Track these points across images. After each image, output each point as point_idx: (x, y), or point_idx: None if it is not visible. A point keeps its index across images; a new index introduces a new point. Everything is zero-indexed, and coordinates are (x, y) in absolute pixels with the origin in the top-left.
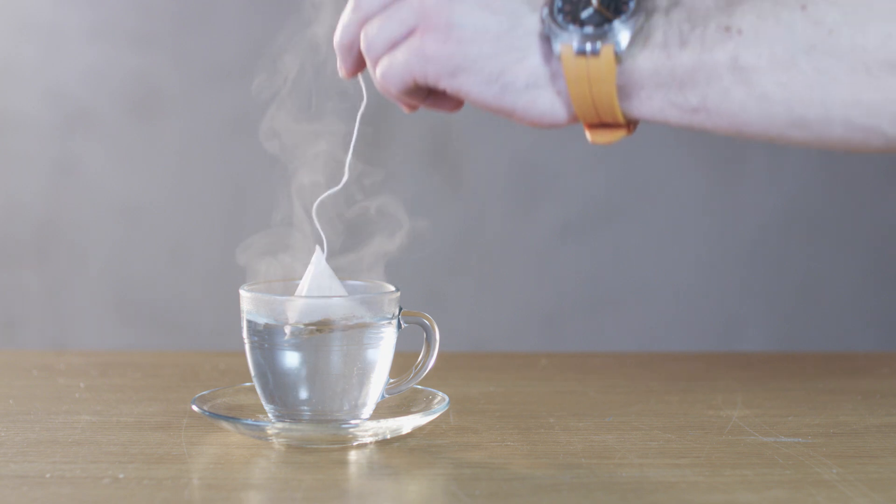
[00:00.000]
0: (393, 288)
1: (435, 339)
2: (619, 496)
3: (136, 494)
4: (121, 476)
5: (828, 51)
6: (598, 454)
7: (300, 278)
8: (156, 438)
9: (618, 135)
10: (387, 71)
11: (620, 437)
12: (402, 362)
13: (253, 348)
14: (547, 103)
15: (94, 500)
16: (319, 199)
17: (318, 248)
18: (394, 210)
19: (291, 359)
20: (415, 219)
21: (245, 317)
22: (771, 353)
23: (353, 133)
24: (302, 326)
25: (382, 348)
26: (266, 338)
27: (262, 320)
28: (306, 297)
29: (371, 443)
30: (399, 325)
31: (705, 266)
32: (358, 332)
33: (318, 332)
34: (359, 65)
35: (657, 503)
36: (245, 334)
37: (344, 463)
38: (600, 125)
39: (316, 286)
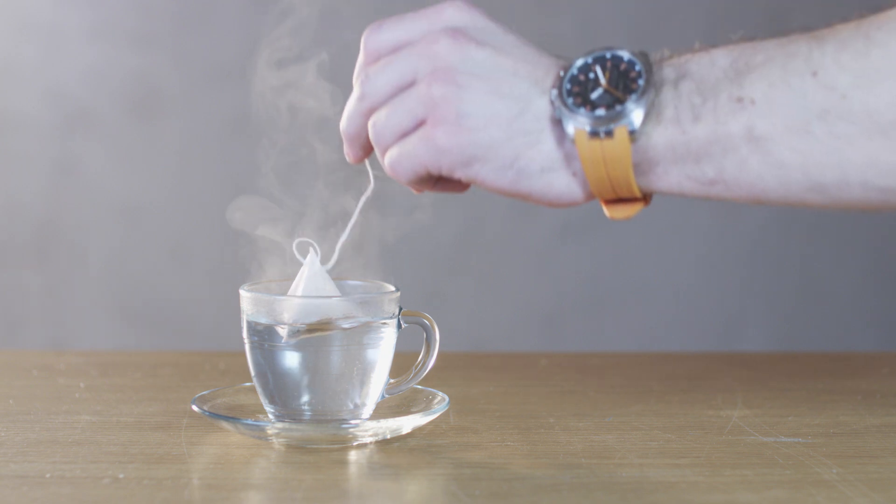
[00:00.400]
0: (393, 288)
1: (435, 339)
2: (619, 496)
3: (136, 494)
4: (121, 476)
5: (841, 115)
6: (598, 454)
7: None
8: (156, 438)
9: (635, 209)
10: (398, 161)
11: (620, 437)
12: (402, 362)
13: (253, 348)
14: (563, 185)
15: (94, 500)
16: (354, 218)
17: (311, 249)
18: (394, 209)
19: (291, 359)
20: (415, 219)
21: (245, 317)
22: (771, 353)
23: (353, 217)
24: (304, 328)
25: (382, 348)
26: (266, 338)
27: (262, 320)
28: (307, 297)
29: (371, 443)
30: (399, 325)
31: (705, 266)
32: (358, 332)
33: (318, 332)
34: (366, 151)
35: (657, 503)
36: (245, 334)
37: (344, 463)
38: (617, 200)
39: (312, 287)
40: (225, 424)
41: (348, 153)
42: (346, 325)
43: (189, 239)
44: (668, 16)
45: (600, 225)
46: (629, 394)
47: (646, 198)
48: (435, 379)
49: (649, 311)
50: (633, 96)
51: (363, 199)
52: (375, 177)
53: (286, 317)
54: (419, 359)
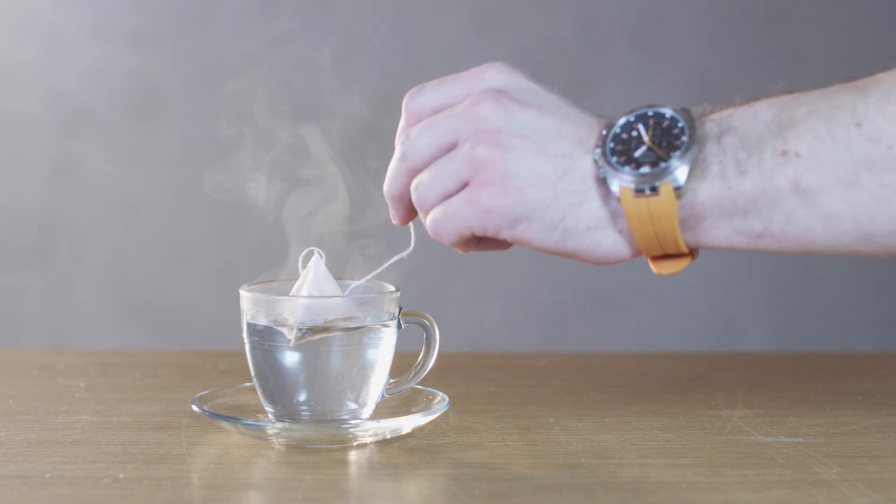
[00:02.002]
0: (393, 288)
1: (435, 339)
2: (619, 496)
3: (136, 494)
4: (121, 476)
5: (889, 166)
6: (598, 454)
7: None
8: (156, 438)
9: (682, 264)
10: (441, 222)
11: (620, 437)
12: (402, 362)
13: (253, 348)
14: (610, 243)
15: (94, 500)
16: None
17: (315, 252)
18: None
19: (291, 359)
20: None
21: (245, 317)
22: (771, 353)
23: (381, 268)
24: (306, 329)
25: (382, 348)
26: (266, 338)
27: (262, 321)
28: (307, 297)
29: (371, 443)
30: (399, 325)
31: (705, 266)
32: (358, 332)
33: (326, 334)
34: (410, 214)
35: (657, 503)
36: (245, 334)
37: (344, 463)
38: (664, 256)
39: (316, 290)
40: (225, 424)
41: (393, 215)
42: (352, 326)
43: (189, 239)
44: (668, 16)
45: None
46: (629, 394)
47: (692, 252)
48: (435, 379)
49: (649, 311)
50: (678, 153)
51: (396, 257)
52: (417, 240)
53: (292, 318)
54: (419, 359)
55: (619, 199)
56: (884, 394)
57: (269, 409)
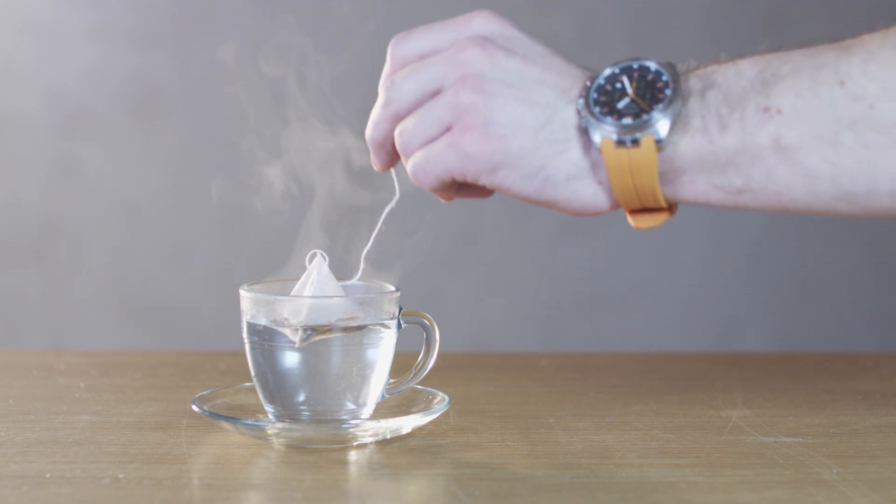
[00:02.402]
0: (393, 288)
1: (435, 339)
2: (619, 496)
3: (136, 494)
4: (121, 476)
5: (870, 125)
6: (598, 454)
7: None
8: (156, 438)
9: (660, 218)
10: (422, 166)
11: (620, 437)
12: (402, 362)
13: (253, 348)
14: (589, 194)
15: (94, 500)
16: (338, 284)
17: (318, 253)
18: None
19: (291, 359)
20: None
21: (245, 317)
22: (771, 353)
23: (376, 226)
24: (311, 330)
25: (382, 348)
26: (266, 338)
27: (262, 321)
28: (306, 297)
29: (371, 443)
30: (399, 325)
31: (705, 266)
32: (358, 332)
33: (331, 334)
34: (392, 160)
35: (657, 503)
36: (245, 334)
37: (344, 463)
38: (642, 210)
39: (320, 291)
40: (225, 424)
41: (375, 161)
42: (354, 325)
43: (189, 239)
44: (668, 16)
45: (600, 225)
46: (629, 394)
47: (671, 207)
48: (435, 379)
49: (649, 311)
50: (660, 106)
51: (387, 209)
52: (401, 186)
53: (296, 319)
54: (419, 359)
55: (599, 150)
56: (884, 394)
57: (269, 409)
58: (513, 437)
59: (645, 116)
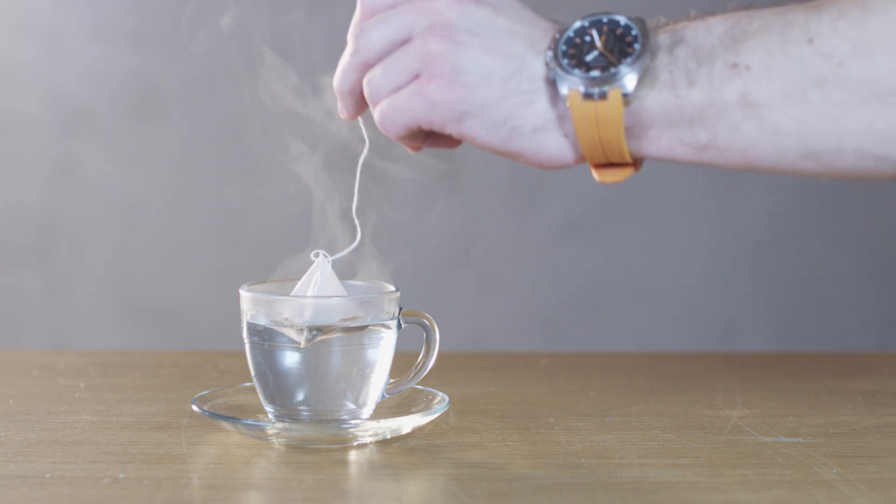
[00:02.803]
0: (393, 288)
1: (435, 339)
2: (619, 496)
3: (136, 494)
4: (121, 476)
5: (838, 83)
6: (598, 454)
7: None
8: (156, 438)
9: (625, 173)
10: (388, 114)
11: (620, 437)
12: (402, 362)
13: (253, 348)
14: (554, 146)
15: (94, 500)
16: (333, 258)
17: (321, 254)
18: (394, 209)
19: (291, 359)
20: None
21: (245, 317)
22: (771, 353)
23: (355, 179)
24: (316, 331)
25: (382, 348)
26: (266, 338)
27: (262, 321)
28: (306, 297)
29: (371, 443)
30: (399, 325)
31: (705, 266)
32: (358, 332)
33: (336, 334)
34: (360, 108)
35: (657, 503)
36: (245, 334)
37: (344, 463)
38: (607, 165)
39: (324, 292)
40: (225, 424)
41: (342, 109)
42: (356, 325)
43: (189, 239)
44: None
45: (601, 225)
46: (629, 394)
47: (636, 163)
48: (435, 379)
49: (649, 311)
50: (628, 60)
51: (361, 160)
52: (370, 136)
53: (300, 320)
54: (419, 359)
55: (566, 102)
56: (884, 394)
57: (269, 409)
58: (513, 437)
59: (613, 70)
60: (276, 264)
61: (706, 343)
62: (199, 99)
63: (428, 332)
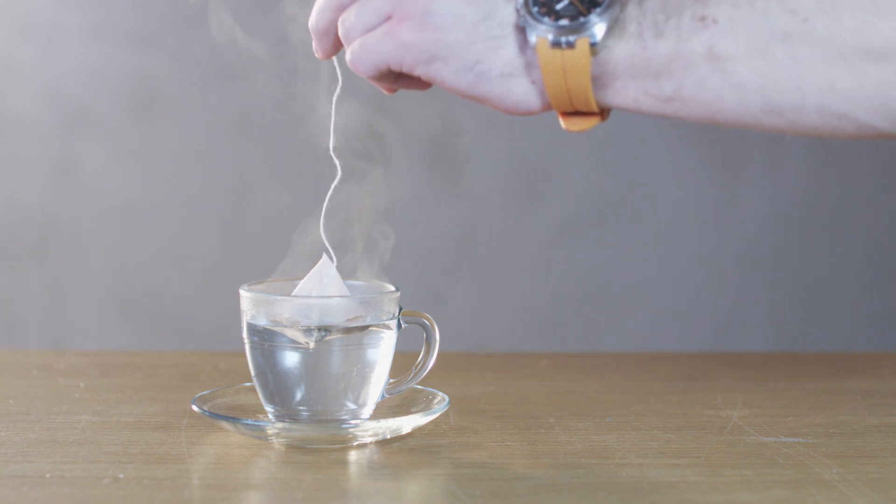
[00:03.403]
0: (393, 288)
1: (435, 339)
2: (619, 496)
3: (136, 494)
4: (121, 476)
5: (803, 38)
6: (598, 454)
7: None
8: (156, 438)
9: (591, 122)
10: (359, 54)
11: (620, 437)
12: (402, 362)
13: (253, 348)
14: (521, 92)
15: (94, 500)
16: (325, 205)
17: (325, 255)
18: (393, 209)
19: (291, 359)
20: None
21: (245, 317)
22: (771, 353)
23: (330, 118)
24: (324, 331)
25: (382, 348)
26: (266, 338)
27: (261, 321)
28: (306, 297)
29: (371, 443)
30: (399, 325)
31: (705, 266)
32: (358, 332)
33: (331, 334)
34: (335, 48)
35: (657, 503)
36: (245, 334)
37: (344, 463)
38: (574, 113)
39: (329, 292)
40: (225, 424)
41: (317, 49)
42: (360, 325)
43: (189, 239)
44: None
45: (600, 224)
46: (629, 394)
47: (602, 113)
48: (435, 379)
49: (649, 311)
50: (598, 10)
51: (334, 96)
52: (343, 74)
53: (306, 320)
54: (419, 359)
55: (534, 49)
56: (884, 394)
57: (269, 409)
58: (513, 437)
59: (582, 19)
60: (276, 264)
61: (706, 343)
62: (199, 99)
63: (428, 332)
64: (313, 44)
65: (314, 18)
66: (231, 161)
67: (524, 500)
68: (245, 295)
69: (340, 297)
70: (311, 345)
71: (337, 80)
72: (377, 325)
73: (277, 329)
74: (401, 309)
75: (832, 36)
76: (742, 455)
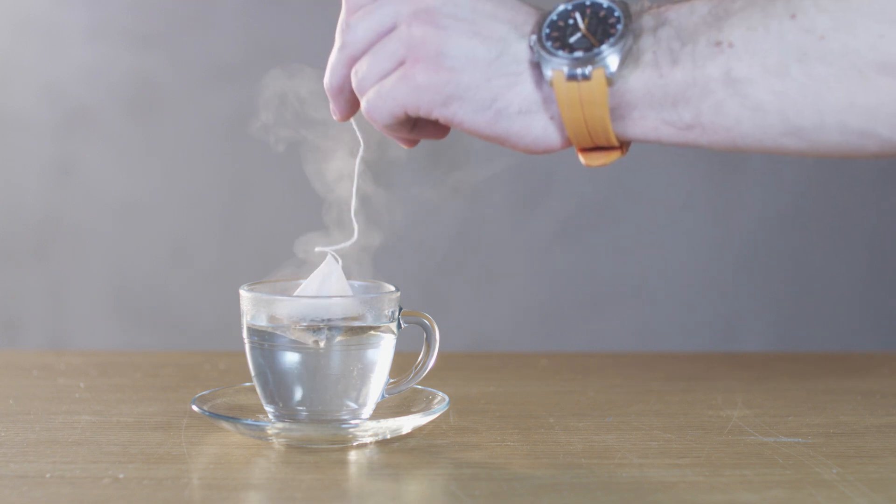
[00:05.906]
0: (393, 288)
1: (435, 339)
2: (619, 496)
3: (136, 494)
4: (121, 476)
5: (820, 57)
6: (598, 454)
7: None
8: (156, 438)
9: (612, 157)
10: (375, 102)
11: (620, 437)
12: (402, 362)
13: (253, 348)
14: (540, 129)
15: (94, 500)
16: (332, 249)
17: (329, 255)
18: (393, 210)
19: (291, 359)
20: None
21: (245, 317)
22: (771, 353)
23: (353, 182)
24: (335, 330)
25: (382, 348)
26: (266, 338)
27: (261, 321)
28: (306, 297)
29: (371, 443)
30: (399, 325)
31: (705, 266)
32: (358, 332)
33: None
34: (352, 107)
35: (657, 503)
36: (245, 334)
37: (344, 463)
38: (594, 148)
39: (335, 292)
40: (225, 424)
41: (334, 110)
42: (366, 325)
43: (189, 239)
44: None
45: (600, 224)
46: (629, 394)
47: (622, 147)
48: (435, 379)
49: (649, 311)
50: (611, 40)
51: (357, 161)
52: (364, 137)
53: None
54: (419, 359)
55: (551, 84)
56: (884, 394)
57: (269, 409)
58: (513, 437)
59: (595, 50)
60: (276, 264)
61: (706, 343)
62: (199, 99)
63: (428, 332)
64: (330, 106)
65: (328, 77)
66: (231, 160)
67: (524, 500)
68: (245, 295)
69: (341, 297)
70: (322, 343)
71: (358, 142)
72: (377, 326)
73: (279, 331)
74: (401, 309)
75: (849, 52)
76: (742, 455)
